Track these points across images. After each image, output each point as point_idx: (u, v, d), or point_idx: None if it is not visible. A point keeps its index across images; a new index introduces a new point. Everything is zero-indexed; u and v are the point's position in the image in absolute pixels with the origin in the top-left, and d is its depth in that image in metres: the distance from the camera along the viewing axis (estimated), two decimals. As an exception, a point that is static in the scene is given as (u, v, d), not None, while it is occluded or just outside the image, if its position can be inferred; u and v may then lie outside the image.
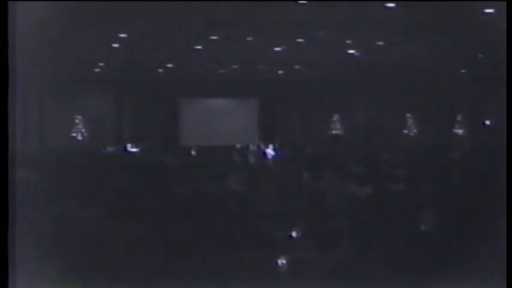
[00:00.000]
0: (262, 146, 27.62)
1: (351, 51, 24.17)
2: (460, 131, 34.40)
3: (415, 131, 35.10)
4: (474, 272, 5.05)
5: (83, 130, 31.99)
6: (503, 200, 5.27)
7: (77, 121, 31.90)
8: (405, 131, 35.15)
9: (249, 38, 21.37)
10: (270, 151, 25.66)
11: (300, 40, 21.72)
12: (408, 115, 35.24)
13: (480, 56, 25.16)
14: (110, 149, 27.24)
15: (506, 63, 7.32)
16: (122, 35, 20.21)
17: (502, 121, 30.04)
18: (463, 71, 30.10)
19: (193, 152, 23.62)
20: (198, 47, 22.70)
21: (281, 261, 6.13)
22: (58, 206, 7.43)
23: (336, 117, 35.21)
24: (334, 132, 35.08)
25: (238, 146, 27.53)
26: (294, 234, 7.05)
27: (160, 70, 29.34)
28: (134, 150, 27.13)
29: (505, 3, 14.26)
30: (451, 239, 5.87)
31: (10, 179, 4.73)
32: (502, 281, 4.71)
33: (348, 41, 22.30)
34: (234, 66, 28.96)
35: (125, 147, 28.21)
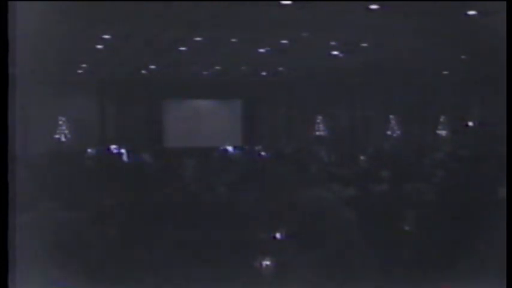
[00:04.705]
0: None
1: (335, 53, 24.21)
2: (443, 132, 34.55)
3: (398, 132, 35.23)
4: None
5: (66, 132, 31.84)
6: (492, 200, 5.31)
7: (60, 122, 31.76)
8: (388, 132, 35.26)
9: (233, 40, 21.37)
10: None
11: (284, 41, 21.74)
12: (391, 116, 35.35)
13: (463, 57, 25.28)
14: (91, 150, 27.14)
15: (506, 63, 7.33)
16: (106, 36, 20.17)
17: (484, 122, 30.23)
18: (445, 72, 30.21)
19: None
20: (182, 49, 22.68)
21: (265, 263, 6.13)
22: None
23: (319, 118, 35.27)
24: (317, 133, 35.14)
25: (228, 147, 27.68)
26: (278, 235, 7.04)
27: (144, 71, 29.29)
28: (121, 151, 27.01)
29: (488, 5, 14.42)
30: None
31: (10, 179, 4.71)
32: (502, 281, 4.73)
33: (332, 43, 22.33)
34: (218, 68, 28.95)
35: (108, 149, 28.11)
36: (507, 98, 6.17)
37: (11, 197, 4.50)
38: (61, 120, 31.69)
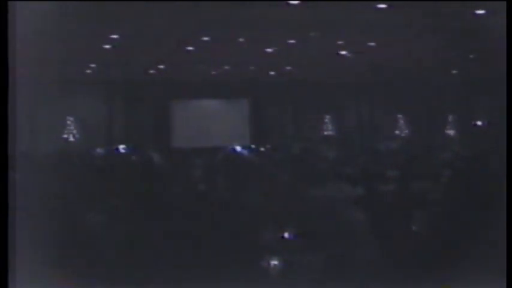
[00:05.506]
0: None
1: (343, 52, 24.19)
2: (451, 132, 34.48)
3: (406, 131, 35.19)
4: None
5: (74, 131, 31.91)
6: (497, 199, 5.29)
7: (68, 122, 31.84)
8: (397, 132, 35.23)
9: (241, 39, 21.37)
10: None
11: (292, 41, 21.74)
12: (399, 116, 35.32)
13: (471, 56, 25.23)
14: (100, 150, 27.15)
15: (506, 63, 7.30)
16: (113, 36, 20.19)
17: (493, 122, 30.14)
18: (454, 71, 30.15)
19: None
20: (190, 48, 22.69)
21: (273, 262, 6.13)
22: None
23: (327, 118, 35.26)
24: (325, 133, 35.13)
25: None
26: (286, 235, 7.05)
27: (152, 71, 29.33)
28: (129, 151, 27.00)
29: (497, 4, 14.37)
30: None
31: (10, 179, 4.72)
32: (502, 281, 4.72)
33: (340, 42, 22.32)
34: (226, 67, 28.96)
35: (117, 149, 28.13)
36: (507, 98, 6.16)
37: (11, 197, 4.52)
38: (69, 120, 31.77)
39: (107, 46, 21.74)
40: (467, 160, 14.73)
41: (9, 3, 4.67)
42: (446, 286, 5.02)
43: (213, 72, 30.05)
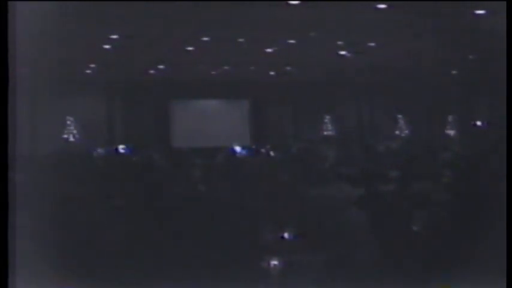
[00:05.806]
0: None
1: (342, 52, 24.18)
2: (451, 132, 34.47)
3: (406, 131, 35.18)
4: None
5: (74, 131, 31.90)
6: (497, 200, 5.29)
7: (68, 122, 31.82)
8: (397, 132, 35.22)
9: (241, 39, 21.37)
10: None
11: (292, 41, 21.73)
12: (399, 116, 35.32)
13: (471, 57, 25.23)
14: (100, 150, 27.14)
15: (506, 63, 7.30)
16: (113, 36, 20.19)
17: (492, 122, 30.11)
18: (454, 72, 30.14)
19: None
20: (190, 48, 22.68)
21: (273, 263, 6.14)
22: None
23: (327, 118, 35.25)
24: (325, 133, 35.12)
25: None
26: (286, 235, 7.06)
27: (152, 71, 29.32)
28: (129, 151, 26.99)
29: (496, 4, 14.37)
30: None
31: (10, 180, 4.72)
32: (502, 281, 4.72)
33: (339, 42, 22.32)
34: (226, 68, 28.95)
35: (116, 149, 28.10)
36: (507, 98, 6.15)
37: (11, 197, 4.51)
38: (69, 120, 31.76)
39: (107, 46, 21.73)
40: (467, 160, 14.74)
41: (9, 3, 4.67)
42: (446, 286, 5.02)
43: (213, 72, 30.03)
